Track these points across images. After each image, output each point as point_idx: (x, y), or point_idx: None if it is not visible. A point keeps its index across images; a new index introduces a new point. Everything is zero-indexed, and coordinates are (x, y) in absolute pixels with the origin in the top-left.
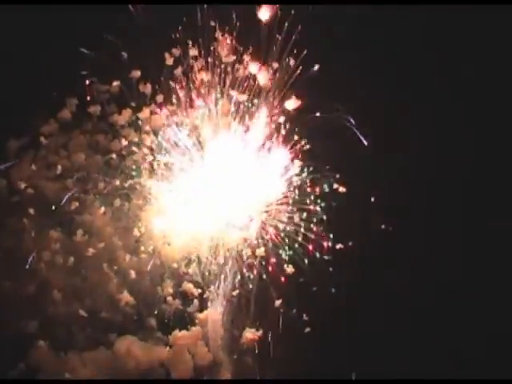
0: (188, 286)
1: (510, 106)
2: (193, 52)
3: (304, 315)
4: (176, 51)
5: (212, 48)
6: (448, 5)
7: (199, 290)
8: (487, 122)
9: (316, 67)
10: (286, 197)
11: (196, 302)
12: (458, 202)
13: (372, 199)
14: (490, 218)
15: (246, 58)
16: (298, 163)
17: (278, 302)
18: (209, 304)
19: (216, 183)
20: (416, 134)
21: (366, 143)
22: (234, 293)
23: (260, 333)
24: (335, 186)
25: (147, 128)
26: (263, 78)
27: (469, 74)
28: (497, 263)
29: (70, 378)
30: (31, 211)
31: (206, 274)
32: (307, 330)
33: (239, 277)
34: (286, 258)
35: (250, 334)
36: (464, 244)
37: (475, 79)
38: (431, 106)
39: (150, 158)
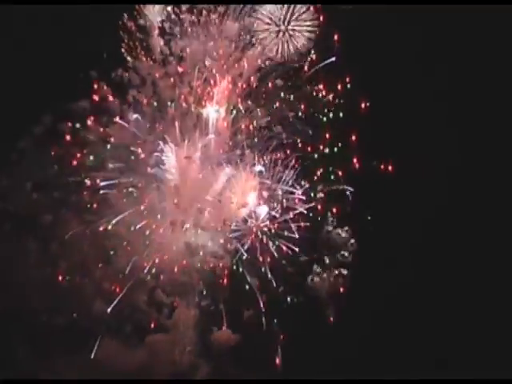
0: (160, 295)
1: None
2: (160, 71)
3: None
4: (144, 67)
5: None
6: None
7: (171, 299)
8: None
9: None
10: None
11: (168, 309)
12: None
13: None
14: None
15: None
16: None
17: (247, 313)
18: (180, 311)
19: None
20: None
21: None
22: (204, 303)
23: (233, 337)
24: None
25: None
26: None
27: None
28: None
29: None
30: (7, 225)
31: (177, 283)
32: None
33: (208, 286)
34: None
35: (223, 337)
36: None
37: None
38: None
39: (118, 174)
